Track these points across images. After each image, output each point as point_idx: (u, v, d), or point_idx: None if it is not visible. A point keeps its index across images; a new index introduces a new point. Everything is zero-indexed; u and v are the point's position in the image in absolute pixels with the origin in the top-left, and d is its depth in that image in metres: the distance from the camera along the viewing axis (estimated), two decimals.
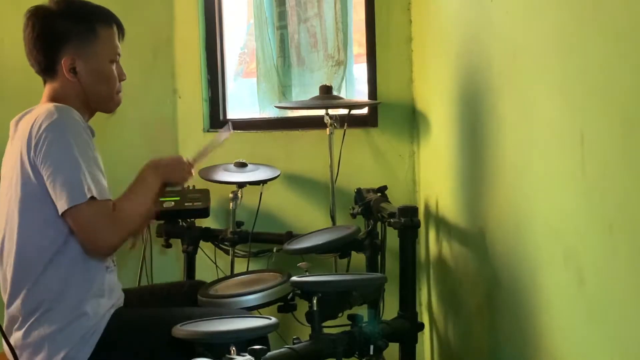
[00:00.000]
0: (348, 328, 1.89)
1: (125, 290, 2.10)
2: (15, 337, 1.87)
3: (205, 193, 2.86)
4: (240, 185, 2.86)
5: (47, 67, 1.98)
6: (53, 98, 1.98)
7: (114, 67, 2.03)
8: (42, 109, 1.90)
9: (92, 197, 1.80)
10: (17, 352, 1.80)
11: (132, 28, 2.17)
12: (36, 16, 1.97)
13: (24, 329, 1.87)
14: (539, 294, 1.49)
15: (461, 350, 2.36)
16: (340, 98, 2.91)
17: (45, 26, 1.97)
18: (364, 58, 3.13)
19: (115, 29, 2.04)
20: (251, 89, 3.37)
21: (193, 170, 2.13)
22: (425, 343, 2.84)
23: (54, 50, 1.95)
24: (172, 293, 2.23)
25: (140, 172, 2.02)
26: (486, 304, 1.97)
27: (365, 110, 3.13)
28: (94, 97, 2.00)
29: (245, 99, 3.49)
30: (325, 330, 1.87)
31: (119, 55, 2.05)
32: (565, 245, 1.32)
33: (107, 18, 2.03)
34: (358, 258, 2.63)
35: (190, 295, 2.21)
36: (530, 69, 1.50)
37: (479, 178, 1.98)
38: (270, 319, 1.78)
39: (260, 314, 1.97)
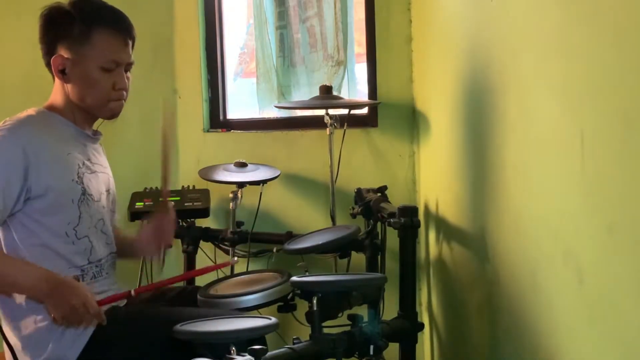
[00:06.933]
0: (348, 328, 1.89)
1: None
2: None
3: (205, 193, 2.86)
4: (240, 185, 2.86)
5: (47, 64, 1.95)
6: (50, 98, 1.99)
7: (106, 74, 1.90)
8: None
9: None
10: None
11: None
12: (48, 10, 1.93)
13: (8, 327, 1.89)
14: (538, 293, 1.49)
15: (461, 350, 2.36)
16: (340, 98, 2.91)
17: (50, 22, 1.93)
18: (364, 58, 3.13)
19: (119, 35, 1.92)
20: (251, 88, 3.37)
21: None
22: (425, 343, 2.84)
23: (52, 48, 1.92)
24: (173, 296, 2.22)
25: (48, 273, 1.81)
26: (486, 304, 1.97)
27: (365, 110, 3.13)
28: (80, 102, 1.93)
29: (245, 99, 3.49)
30: (325, 330, 1.86)
31: (116, 63, 1.91)
32: (565, 245, 1.32)
33: (109, 22, 1.91)
34: (358, 258, 2.63)
35: (192, 299, 2.20)
36: (531, 69, 1.50)
37: (479, 178, 1.98)
38: (270, 319, 1.78)
39: (260, 314, 1.97)
